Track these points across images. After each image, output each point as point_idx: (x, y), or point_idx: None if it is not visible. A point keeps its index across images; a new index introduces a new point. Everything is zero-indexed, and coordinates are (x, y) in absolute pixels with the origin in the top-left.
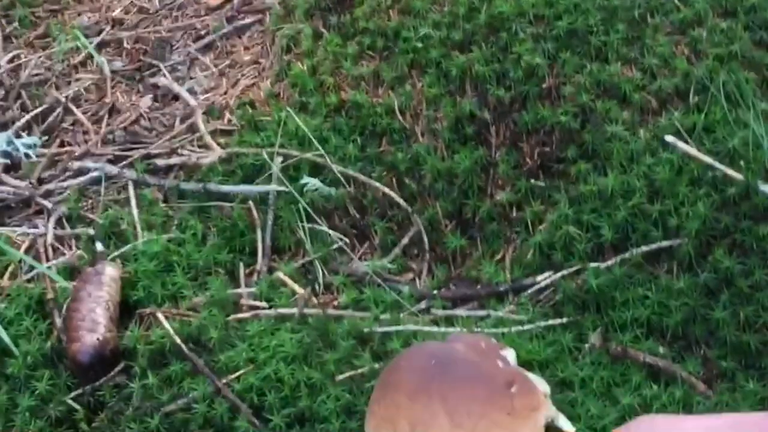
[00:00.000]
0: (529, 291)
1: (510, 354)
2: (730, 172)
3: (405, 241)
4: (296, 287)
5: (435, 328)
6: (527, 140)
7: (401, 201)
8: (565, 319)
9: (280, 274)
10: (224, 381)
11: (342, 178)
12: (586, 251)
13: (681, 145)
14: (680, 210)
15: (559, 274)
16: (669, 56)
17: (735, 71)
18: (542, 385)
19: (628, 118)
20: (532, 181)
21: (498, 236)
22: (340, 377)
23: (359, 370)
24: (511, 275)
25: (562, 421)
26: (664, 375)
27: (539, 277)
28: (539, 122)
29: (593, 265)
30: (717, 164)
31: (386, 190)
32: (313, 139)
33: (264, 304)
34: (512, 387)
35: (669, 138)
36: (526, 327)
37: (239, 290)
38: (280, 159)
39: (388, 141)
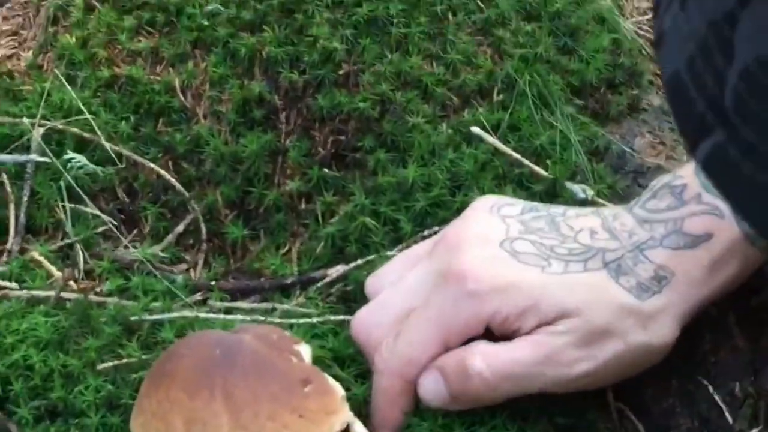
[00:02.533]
0: (319, 284)
1: (305, 350)
2: (537, 169)
3: (180, 229)
4: (53, 269)
5: (214, 316)
6: (320, 128)
7: (178, 185)
8: None
9: (35, 254)
10: None
11: (113, 156)
12: (383, 243)
13: (488, 137)
14: None
15: (352, 265)
16: (472, 54)
17: (540, 73)
18: (339, 388)
19: (429, 111)
20: (325, 170)
21: (284, 228)
22: (102, 366)
23: (124, 360)
24: (299, 268)
25: (358, 427)
26: None
27: (330, 270)
28: (335, 109)
29: (389, 253)
30: (524, 160)
31: (162, 172)
32: (84, 109)
33: (14, 284)
34: (307, 386)
35: (475, 129)
36: (315, 320)
37: None
38: (41, 130)
39: (166, 121)
